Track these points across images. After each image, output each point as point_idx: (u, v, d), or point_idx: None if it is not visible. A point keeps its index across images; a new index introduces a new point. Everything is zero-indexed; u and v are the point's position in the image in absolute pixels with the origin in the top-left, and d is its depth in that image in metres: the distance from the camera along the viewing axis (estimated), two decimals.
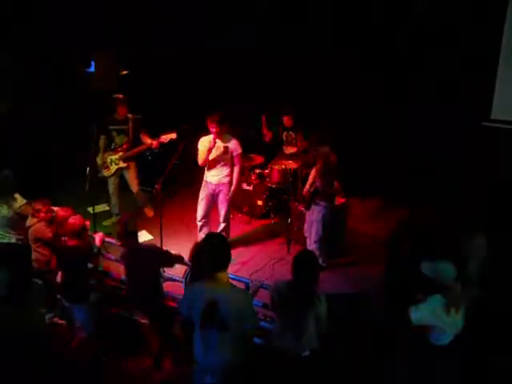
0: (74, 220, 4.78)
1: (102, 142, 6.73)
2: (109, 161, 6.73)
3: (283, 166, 7.20)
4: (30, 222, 5.29)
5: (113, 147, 6.75)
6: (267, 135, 7.76)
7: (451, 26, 6.61)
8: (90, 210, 6.65)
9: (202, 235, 6.34)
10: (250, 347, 3.66)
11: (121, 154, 6.70)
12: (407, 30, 6.91)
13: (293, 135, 7.51)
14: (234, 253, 3.64)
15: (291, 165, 7.24)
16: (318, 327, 3.83)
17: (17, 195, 5.54)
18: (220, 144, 5.99)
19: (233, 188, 6.16)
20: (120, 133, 6.68)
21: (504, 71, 6.56)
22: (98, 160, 6.75)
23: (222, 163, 6.10)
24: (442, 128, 6.93)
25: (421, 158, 7.08)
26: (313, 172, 6.00)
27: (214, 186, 6.19)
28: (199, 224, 6.36)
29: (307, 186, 6.03)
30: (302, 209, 6.18)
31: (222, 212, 6.32)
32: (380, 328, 4.71)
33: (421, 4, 6.73)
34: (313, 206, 5.92)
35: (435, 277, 3.83)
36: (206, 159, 6.01)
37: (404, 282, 4.77)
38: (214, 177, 6.15)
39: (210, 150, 5.95)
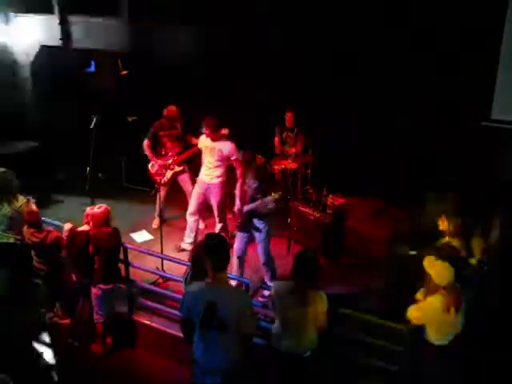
0: (99, 211, 4.96)
1: (148, 149, 6.58)
2: (164, 168, 6.59)
3: (283, 166, 7.20)
4: (34, 235, 5.21)
5: (164, 153, 6.65)
6: (278, 147, 7.65)
7: (451, 26, 6.61)
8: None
9: (189, 232, 6.41)
10: (250, 347, 3.65)
11: (175, 158, 6.63)
12: (407, 29, 6.90)
13: (293, 136, 7.51)
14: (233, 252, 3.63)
15: (291, 165, 7.24)
16: (319, 326, 3.83)
17: (18, 194, 5.53)
18: (211, 144, 6.05)
19: (237, 201, 5.62)
20: (171, 138, 6.62)
21: (504, 71, 6.55)
22: (150, 168, 6.61)
23: (215, 164, 6.12)
24: (442, 128, 6.93)
25: (421, 158, 7.08)
26: (239, 187, 5.60)
27: (206, 185, 6.23)
28: (191, 219, 6.37)
29: (238, 203, 5.50)
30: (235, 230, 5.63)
31: (216, 212, 6.35)
32: (380, 328, 4.71)
33: None
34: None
35: (435, 277, 3.83)
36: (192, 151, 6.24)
37: (404, 282, 4.77)
38: (206, 176, 6.21)
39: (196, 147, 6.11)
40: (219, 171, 6.17)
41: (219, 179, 6.20)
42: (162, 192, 6.62)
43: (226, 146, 6.08)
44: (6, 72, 8.33)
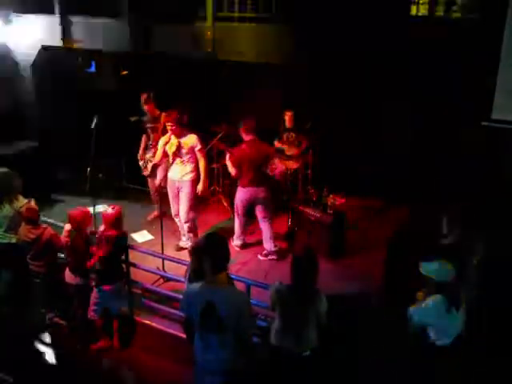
0: (110, 212, 4.89)
1: (142, 142, 6.77)
2: (147, 160, 6.69)
3: (284, 167, 7.19)
4: (30, 232, 5.22)
5: (148, 146, 6.78)
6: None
7: (451, 26, 6.61)
8: (91, 209, 6.64)
9: (182, 230, 6.43)
10: (250, 347, 3.64)
11: (153, 151, 6.63)
12: (406, 29, 6.90)
13: (294, 136, 7.50)
14: (233, 253, 3.62)
15: (291, 165, 7.24)
16: (319, 326, 3.83)
17: (19, 195, 5.53)
18: (175, 140, 5.99)
19: (201, 185, 6.07)
20: (154, 131, 6.67)
21: (504, 71, 6.54)
22: (140, 161, 6.72)
23: (182, 160, 6.04)
24: (442, 128, 6.93)
25: (421, 158, 7.08)
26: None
27: (176, 183, 6.15)
28: (176, 220, 6.41)
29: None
30: None
31: (183, 211, 6.18)
32: (380, 328, 4.71)
33: None
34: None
35: (435, 276, 3.83)
36: (161, 156, 6.13)
37: (404, 282, 4.77)
38: (175, 173, 6.12)
39: (164, 146, 6.04)
40: (189, 167, 6.07)
41: (190, 176, 6.09)
42: (151, 184, 6.75)
43: (189, 138, 6.01)
44: (6, 72, 8.34)
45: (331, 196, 6.57)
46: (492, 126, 6.70)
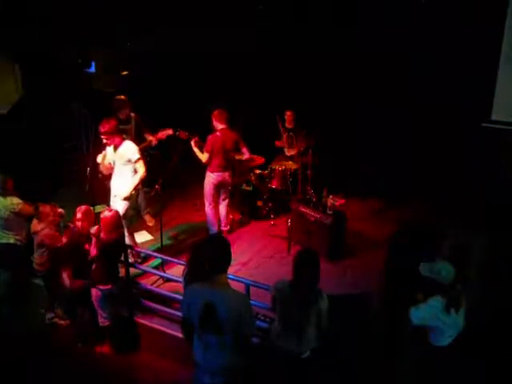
0: (109, 215, 4.88)
1: None
2: None
3: (283, 167, 7.20)
4: (35, 226, 5.24)
5: None
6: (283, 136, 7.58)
7: (451, 26, 6.62)
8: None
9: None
10: (249, 348, 3.64)
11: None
12: (407, 29, 6.91)
13: (293, 136, 7.51)
14: (233, 253, 3.61)
15: (291, 165, 7.24)
16: (319, 326, 3.84)
17: (14, 196, 5.51)
18: (111, 151, 5.72)
19: (125, 188, 5.62)
20: (123, 133, 6.56)
21: (504, 71, 6.56)
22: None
23: (121, 171, 5.73)
24: (442, 128, 6.94)
25: (421, 158, 7.09)
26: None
27: (113, 196, 5.87)
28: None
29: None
30: None
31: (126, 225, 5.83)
32: (380, 328, 4.71)
33: None
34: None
35: (435, 277, 3.83)
36: (103, 166, 5.84)
37: (404, 282, 4.77)
38: (115, 185, 5.82)
39: (103, 157, 5.77)
40: (126, 179, 5.70)
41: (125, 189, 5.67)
42: None
43: (126, 147, 5.67)
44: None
45: (331, 197, 6.56)
46: (492, 127, 6.72)
